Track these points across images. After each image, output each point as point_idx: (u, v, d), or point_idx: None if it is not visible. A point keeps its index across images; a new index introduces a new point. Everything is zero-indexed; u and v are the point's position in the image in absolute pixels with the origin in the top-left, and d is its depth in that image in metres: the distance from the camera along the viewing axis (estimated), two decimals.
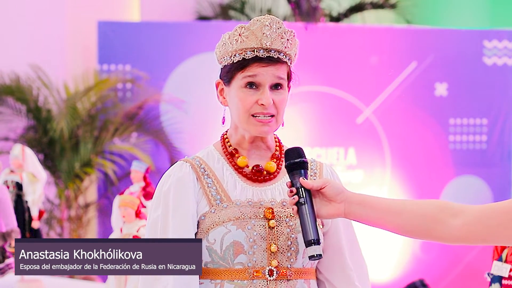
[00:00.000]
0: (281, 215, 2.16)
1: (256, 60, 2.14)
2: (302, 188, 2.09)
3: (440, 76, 9.46)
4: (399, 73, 9.36)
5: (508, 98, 9.64)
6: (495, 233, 1.98)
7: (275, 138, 2.29)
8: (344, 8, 10.18)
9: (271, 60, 2.15)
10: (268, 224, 2.15)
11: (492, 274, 3.22)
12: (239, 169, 2.22)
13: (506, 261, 3.19)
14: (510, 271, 3.17)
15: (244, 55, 2.15)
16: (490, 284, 3.22)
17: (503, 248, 3.22)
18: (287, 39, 2.16)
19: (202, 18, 10.20)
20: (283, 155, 2.25)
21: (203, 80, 8.75)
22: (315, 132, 9.07)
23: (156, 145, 8.88)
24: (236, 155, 2.23)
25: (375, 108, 9.31)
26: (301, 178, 2.10)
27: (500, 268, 3.19)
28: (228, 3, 10.30)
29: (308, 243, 2.06)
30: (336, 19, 10.08)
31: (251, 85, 2.16)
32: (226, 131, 2.30)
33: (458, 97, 9.49)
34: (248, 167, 2.22)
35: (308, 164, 2.25)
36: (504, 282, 3.18)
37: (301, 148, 2.15)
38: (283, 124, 2.22)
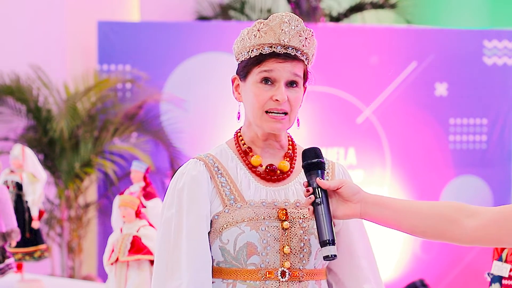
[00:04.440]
0: (295, 216, 2.16)
1: (273, 55, 2.14)
2: (319, 188, 2.08)
3: (440, 76, 9.46)
4: (399, 73, 9.36)
5: (508, 98, 9.64)
6: (511, 234, 1.97)
7: (288, 137, 2.28)
8: (344, 8, 10.18)
9: (288, 57, 2.14)
10: (281, 225, 2.15)
11: (492, 274, 3.22)
12: (252, 168, 2.21)
13: (506, 261, 3.18)
14: (510, 271, 3.16)
15: (261, 50, 2.15)
16: (490, 284, 3.22)
17: (503, 248, 3.22)
18: (305, 38, 2.17)
19: (202, 18, 10.21)
20: (296, 154, 2.25)
21: (203, 80, 8.75)
22: (315, 132, 9.07)
23: (156, 145, 8.87)
24: (250, 153, 2.22)
25: (375, 108, 9.30)
26: (317, 178, 2.09)
27: (500, 268, 3.19)
28: (228, 3, 10.30)
29: (323, 243, 2.05)
30: (336, 19, 10.09)
31: (266, 80, 2.15)
32: (240, 129, 2.28)
33: (458, 97, 9.49)
34: (261, 166, 2.21)
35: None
36: (504, 282, 3.17)
37: (318, 148, 2.14)
38: (298, 124, 2.22)
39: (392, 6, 10.05)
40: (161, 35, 8.89)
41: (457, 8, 11.24)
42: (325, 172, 2.23)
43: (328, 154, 9.15)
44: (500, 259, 3.20)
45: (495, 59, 9.55)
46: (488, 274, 3.24)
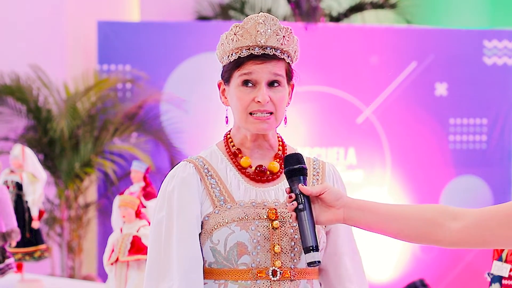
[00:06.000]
0: (285, 216, 2.17)
1: (251, 58, 2.15)
2: (301, 194, 2.08)
3: (440, 76, 9.46)
4: (399, 73, 9.37)
5: (508, 98, 9.64)
6: (496, 235, 1.96)
7: (278, 137, 2.28)
8: (344, 8, 10.19)
9: (266, 57, 2.15)
10: (271, 224, 2.15)
11: (492, 274, 3.22)
12: (242, 170, 2.22)
13: (506, 261, 3.19)
14: (510, 271, 3.17)
15: (240, 53, 2.16)
16: (490, 284, 3.22)
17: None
18: (283, 36, 2.16)
19: (202, 18, 10.21)
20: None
21: (203, 80, 8.76)
22: (315, 132, 9.07)
23: (156, 145, 8.88)
24: (240, 155, 2.23)
25: (375, 108, 9.31)
26: (300, 184, 2.09)
27: (500, 268, 3.19)
28: (228, 3, 10.30)
29: (306, 250, 2.05)
30: (336, 19, 10.09)
31: (247, 83, 2.16)
32: (229, 131, 2.29)
33: (458, 97, 9.50)
34: (251, 167, 2.22)
35: (311, 164, 2.26)
36: (504, 282, 3.18)
37: (300, 154, 2.14)
38: (285, 123, 2.22)
39: (392, 6, 10.05)
40: (161, 35, 8.89)
41: (457, 8, 11.24)
42: (317, 172, 2.24)
43: (328, 154, 9.16)
44: (500, 259, 3.21)
45: (495, 59, 9.56)
46: (488, 274, 3.24)
